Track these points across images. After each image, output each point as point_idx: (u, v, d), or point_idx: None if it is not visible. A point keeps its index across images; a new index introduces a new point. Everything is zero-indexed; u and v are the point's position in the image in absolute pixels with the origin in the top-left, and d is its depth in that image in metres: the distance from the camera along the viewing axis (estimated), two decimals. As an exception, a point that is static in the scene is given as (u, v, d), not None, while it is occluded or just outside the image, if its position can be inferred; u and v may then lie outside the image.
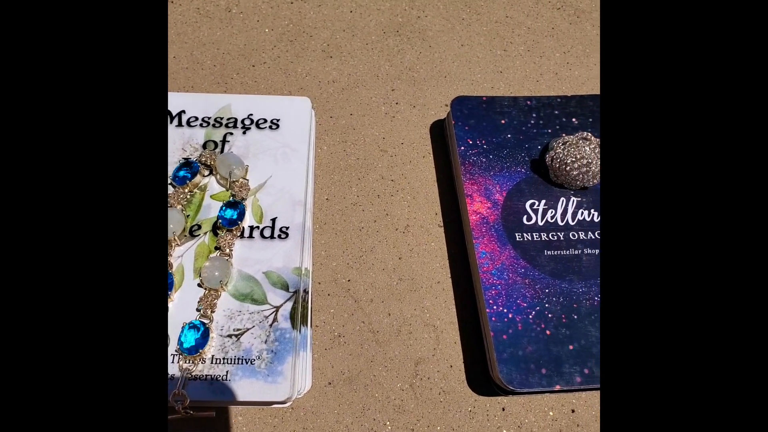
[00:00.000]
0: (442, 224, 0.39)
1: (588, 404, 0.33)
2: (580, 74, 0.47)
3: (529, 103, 0.41)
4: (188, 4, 0.48)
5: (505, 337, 0.32)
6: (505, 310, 0.32)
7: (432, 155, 0.41)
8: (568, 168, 0.35)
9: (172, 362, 0.29)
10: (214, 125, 0.37)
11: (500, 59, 0.47)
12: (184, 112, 0.38)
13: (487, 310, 0.32)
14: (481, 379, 0.33)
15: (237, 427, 0.31)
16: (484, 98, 0.41)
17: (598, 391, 0.33)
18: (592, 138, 0.36)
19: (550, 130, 0.39)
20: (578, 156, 0.35)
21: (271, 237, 0.33)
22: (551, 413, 0.33)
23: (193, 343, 0.29)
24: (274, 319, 0.31)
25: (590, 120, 0.40)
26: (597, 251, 0.35)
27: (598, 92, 0.45)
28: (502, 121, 0.40)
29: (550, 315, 0.32)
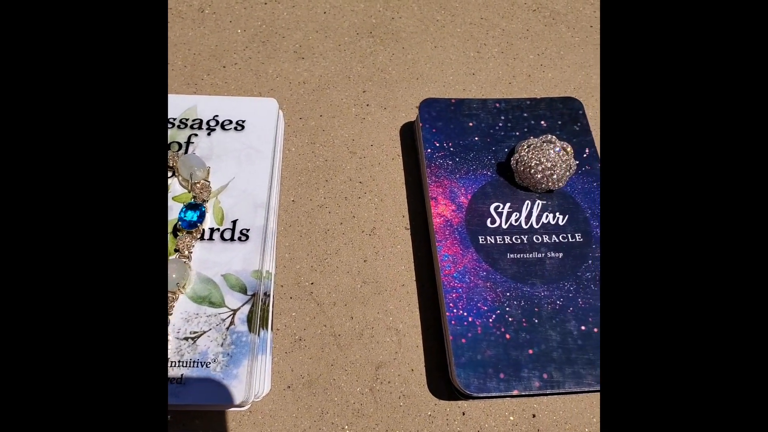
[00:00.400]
0: (408, 227, 0.38)
1: (549, 409, 0.33)
2: (554, 76, 0.46)
3: (497, 105, 0.40)
4: (161, 5, 0.48)
5: (464, 341, 0.31)
6: (465, 314, 0.32)
7: (401, 157, 0.41)
8: (532, 171, 0.35)
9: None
10: (179, 126, 0.37)
11: (473, 61, 0.47)
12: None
13: (447, 314, 0.32)
14: (442, 383, 0.33)
15: (194, 430, 0.31)
16: (453, 100, 0.40)
17: (559, 396, 0.33)
18: (557, 141, 0.35)
19: (518, 133, 0.39)
20: (542, 159, 0.35)
21: (231, 239, 0.33)
22: (512, 418, 0.32)
23: (147, 346, 0.29)
24: (231, 322, 0.31)
25: (559, 122, 0.40)
26: (560, 255, 0.35)
27: (570, 94, 0.45)
28: (470, 124, 0.39)
29: (510, 319, 0.32)
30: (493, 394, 0.30)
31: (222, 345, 0.30)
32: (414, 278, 0.36)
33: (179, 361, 0.30)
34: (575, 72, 0.47)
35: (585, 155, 0.38)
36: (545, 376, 0.31)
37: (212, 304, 0.31)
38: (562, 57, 0.48)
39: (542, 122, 0.40)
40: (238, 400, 0.29)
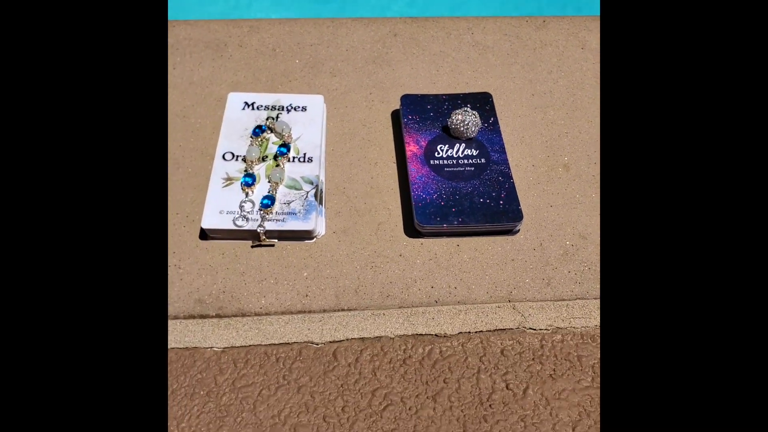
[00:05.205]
0: (395, 161, 0.71)
1: (468, 245, 0.64)
2: (482, 83, 0.79)
3: (443, 97, 0.73)
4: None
5: (420, 204, 0.63)
6: (422, 194, 0.64)
7: (392, 128, 0.74)
8: (455, 126, 0.68)
9: (256, 215, 0.61)
10: (271, 109, 0.70)
11: (434, 76, 0.80)
12: (254, 102, 0.71)
13: (412, 194, 0.64)
14: (412, 227, 0.64)
15: (285, 252, 0.63)
16: (419, 95, 0.73)
17: (473, 237, 0.64)
18: (469, 110, 0.68)
19: (453, 109, 0.72)
20: (460, 120, 0.67)
21: (302, 161, 0.66)
22: (446, 246, 0.64)
23: (268, 203, 0.61)
24: (306, 197, 0.63)
25: (477, 105, 0.73)
26: (473, 168, 0.66)
27: (492, 92, 0.78)
28: (428, 106, 0.72)
29: (444, 195, 0.64)
30: (432, 228, 0.61)
31: (302, 206, 0.62)
32: (398, 184, 0.68)
33: (281, 212, 0.62)
34: (495, 79, 0.79)
35: (490, 122, 0.71)
36: (460, 219, 0.62)
37: (295, 189, 0.63)
38: (489, 71, 0.81)
39: (468, 105, 0.73)
40: (310, 227, 0.61)
